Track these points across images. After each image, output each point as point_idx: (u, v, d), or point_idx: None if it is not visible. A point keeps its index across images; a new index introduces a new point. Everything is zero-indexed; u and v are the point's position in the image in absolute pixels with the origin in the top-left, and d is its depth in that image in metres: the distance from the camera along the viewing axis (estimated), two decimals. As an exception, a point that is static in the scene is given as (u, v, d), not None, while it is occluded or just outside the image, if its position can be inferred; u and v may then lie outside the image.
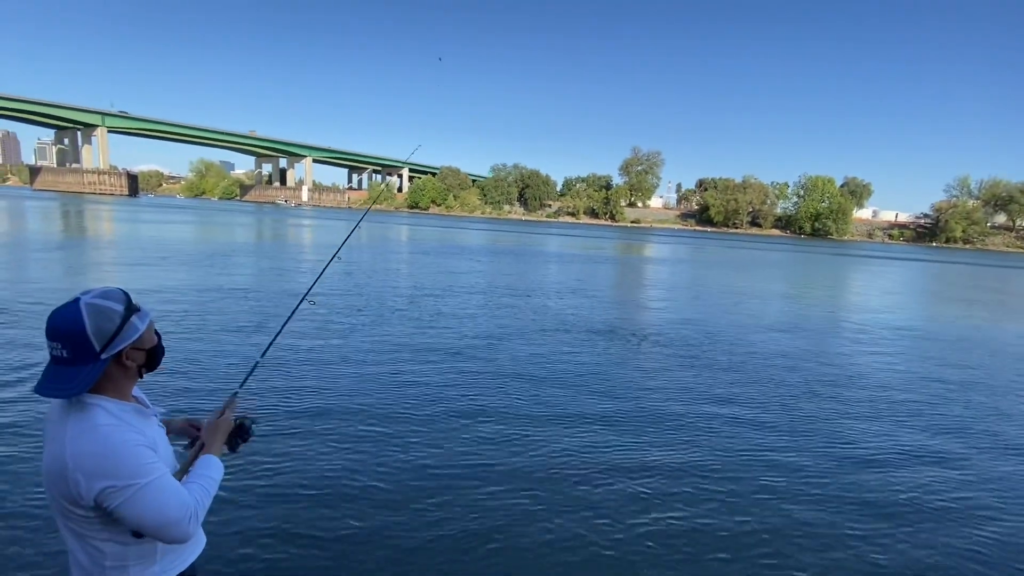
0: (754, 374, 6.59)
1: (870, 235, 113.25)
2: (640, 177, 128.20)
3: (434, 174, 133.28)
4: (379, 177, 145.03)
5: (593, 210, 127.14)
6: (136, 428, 1.27)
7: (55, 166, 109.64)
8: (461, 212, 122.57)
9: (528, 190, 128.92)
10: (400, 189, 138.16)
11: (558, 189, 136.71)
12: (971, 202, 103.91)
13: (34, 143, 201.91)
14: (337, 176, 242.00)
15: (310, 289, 2.35)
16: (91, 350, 1.21)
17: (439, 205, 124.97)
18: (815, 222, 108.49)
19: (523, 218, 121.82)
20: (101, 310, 1.22)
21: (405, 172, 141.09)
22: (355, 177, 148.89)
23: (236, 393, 1.71)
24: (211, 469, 1.44)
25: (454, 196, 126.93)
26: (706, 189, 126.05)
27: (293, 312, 2.24)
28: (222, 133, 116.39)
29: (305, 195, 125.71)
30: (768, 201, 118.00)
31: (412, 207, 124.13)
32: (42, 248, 15.39)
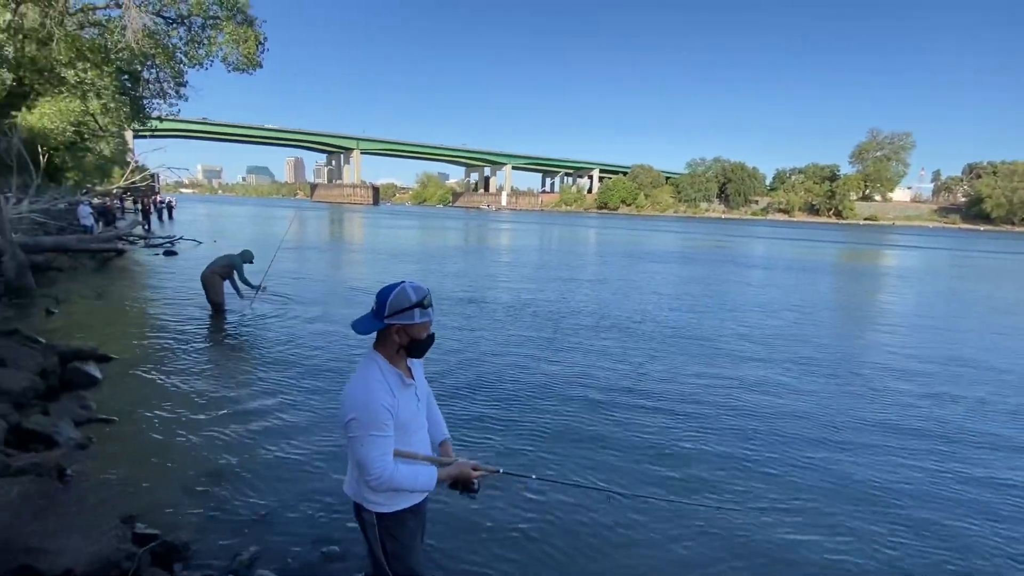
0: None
1: None
2: (879, 164, 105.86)
3: (625, 173, 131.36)
4: (570, 179, 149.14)
5: (812, 206, 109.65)
6: (391, 392, 1.69)
7: (326, 183, 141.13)
8: (652, 211, 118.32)
9: (730, 185, 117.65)
10: (590, 190, 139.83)
11: (767, 183, 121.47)
12: None
13: (313, 165, 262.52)
14: (532, 180, 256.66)
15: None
16: (382, 312, 1.68)
17: (629, 205, 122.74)
18: None
19: (723, 216, 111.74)
20: (404, 293, 1.68)
21: (596, 173, 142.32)
22: (548, 180, 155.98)
23: (499, 471, 1.94)
24: (426, 475, 1.78)
25: (645, 195, 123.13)
26: (979, 176, 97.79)
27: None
28: (440, 148, 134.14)
29: (504, 200, 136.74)
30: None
31: (601, 207, 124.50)
32: (329, 249, 19.94)
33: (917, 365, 6.98)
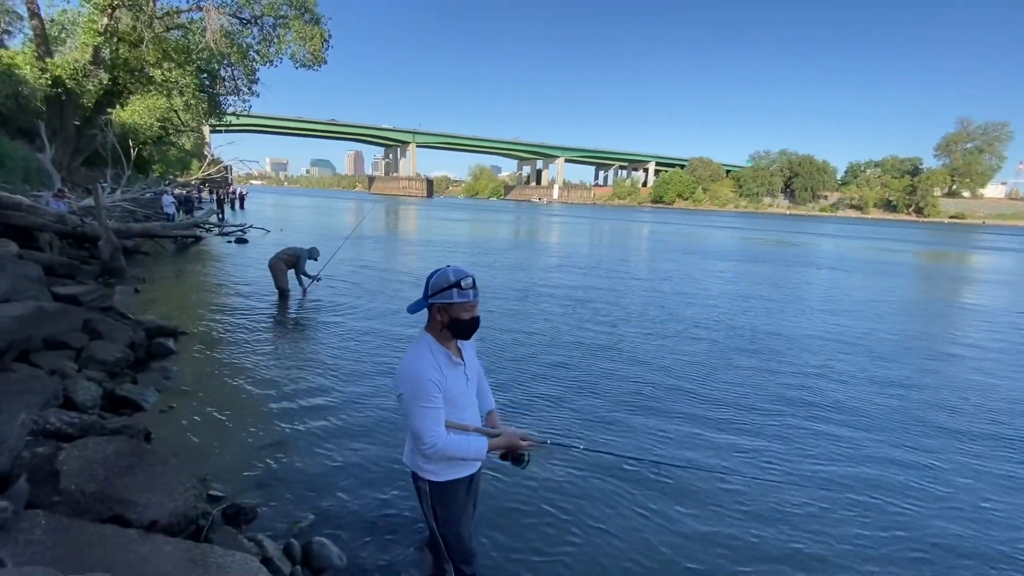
0: None
1: None
2: (970, 157, 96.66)
3: (683, 166, 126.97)
4: (624, 172, 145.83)
5: (890, 202, 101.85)
6: (438, 368, 1.80)
7: (383, 175, 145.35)
8: (711, 206, 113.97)
9: (797, 179, 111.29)
10: (645, 183, 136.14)
11: (839, 177, 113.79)
12: None
13: (372, 158, 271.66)
14: (585, 173, 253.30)
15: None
16: (426, 293, 1.83)
17: (685, 199, 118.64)
18: None
19: (787, 212, 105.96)
20: (444, 275, 1.81)
21: (651, 166, 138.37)
22: (601, 174, 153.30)
23: (546, 443, 1.97)
24: (477, 445, 1.87)
25: (703, 189, 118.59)
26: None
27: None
28: (493, 141, 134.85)
29: (556, 193, 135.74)
30: None
31: (656, 201, 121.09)
32: (387, 241, 20.65)
33: None
